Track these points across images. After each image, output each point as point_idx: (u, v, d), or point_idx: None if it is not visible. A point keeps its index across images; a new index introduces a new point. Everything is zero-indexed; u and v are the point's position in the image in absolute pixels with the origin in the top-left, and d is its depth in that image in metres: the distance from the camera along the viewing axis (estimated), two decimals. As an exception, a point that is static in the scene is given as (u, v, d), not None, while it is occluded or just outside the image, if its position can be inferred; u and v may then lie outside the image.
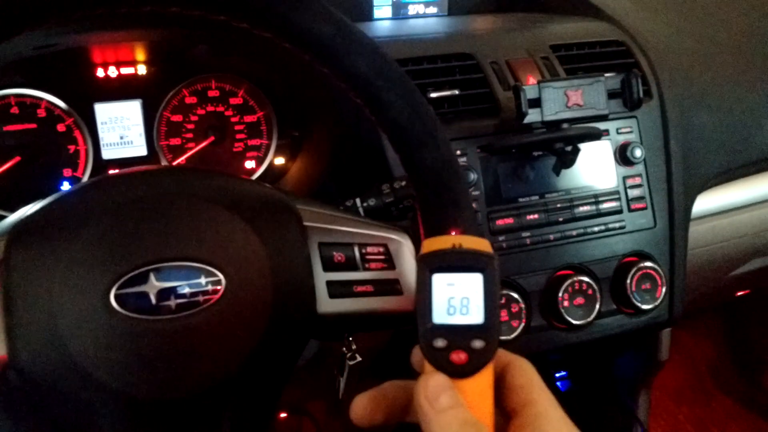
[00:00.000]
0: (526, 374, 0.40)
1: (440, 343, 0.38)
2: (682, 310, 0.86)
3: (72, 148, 0.82)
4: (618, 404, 1.00)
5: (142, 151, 0.84)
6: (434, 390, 0.37)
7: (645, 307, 0.81)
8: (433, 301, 0.38)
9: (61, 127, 0.81)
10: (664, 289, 0.81)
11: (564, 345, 0.81)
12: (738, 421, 1.58)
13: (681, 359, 1.67)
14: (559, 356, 1.05)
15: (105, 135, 0.82)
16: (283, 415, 1.13)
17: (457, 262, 0.39)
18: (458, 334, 0.38)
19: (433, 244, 0.40)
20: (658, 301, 0.81)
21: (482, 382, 0.38)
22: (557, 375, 1.06)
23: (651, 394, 1.00)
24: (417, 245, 0.56)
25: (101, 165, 0.83)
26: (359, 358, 0.77)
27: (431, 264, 0.39)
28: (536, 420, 0.37)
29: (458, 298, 0.38)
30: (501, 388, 0.40)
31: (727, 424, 1.57)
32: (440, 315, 0.38)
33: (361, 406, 0.42)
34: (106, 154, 0.83)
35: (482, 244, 0.40)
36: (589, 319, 0.79)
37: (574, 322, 0.78)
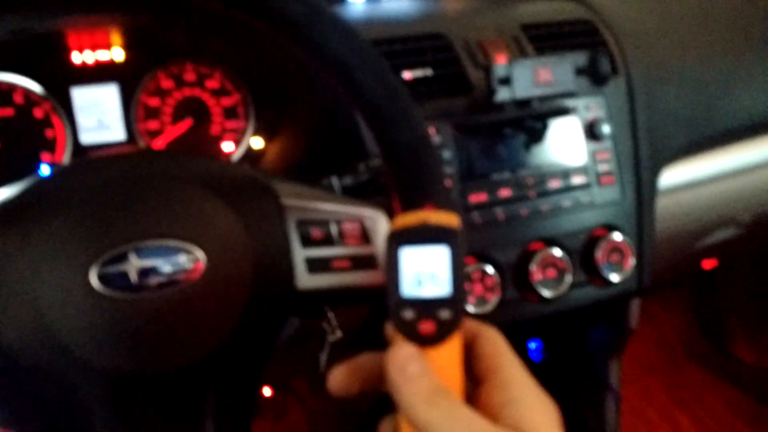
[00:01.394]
0: (493, 342, 0.41)
1: (409, 314, 0.39)
2: (651, 281, 0.89)
3: (50, 133, 0.83)
4: (591, 373, 1.03)
5: (120, 135, 0.85)
6: (403, 359, 0.38)
7: (614, 278, 0.83)
8: (401, 275, 0.39)
9: (38, 113, 0.82)
10: (632, 261, 0.84)
11: (537, 316, 0.84)
12: (709, 389, 1.62)
13: (652, 331, 1.71)
14: (533, 328, 1.08)
15: (83, 120, 0.83)
16: (267, 392, 1.14)
17: (424, 236, 0.40)
18: (426, 305, 0.39)
19: (401, 221, 0.42)
20: (627, 272, 0.84)
21: (451, 351, 0.40)
22: (531, 346, 1.09)
23: (622, 362, 1.03)
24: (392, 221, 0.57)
25: (80, 149, 0.84)
26: (340, 334, 0.79)
27: (399, 239, 0.40)
28: (503, 384, 0.39)
29: (425, 272, 0.39)
30: (470, 356, 0.41)
31: (698, 392, 1.62)
32: (408, 288, 0.39)
33: (338, 377, 0.44)
34: (85, 138, 0.84)
35: (449, 219, 0.41)
36: (561, 291, 0.82)
37: (547, 294, 0.81)
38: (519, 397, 0.38)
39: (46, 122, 0.82)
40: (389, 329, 0.42)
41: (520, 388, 0.39)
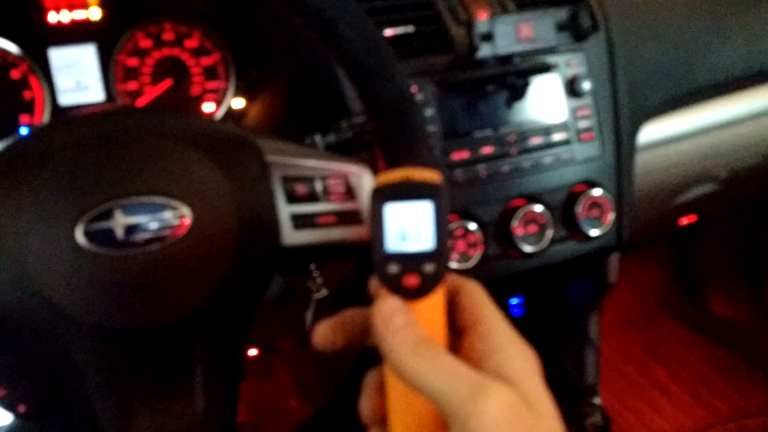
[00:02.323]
0: (475, 295, 0.42)
1: (393, 269, 0.40)
2: (630, 236, 0.90)
3: (28, 94, 0.82)
4: (571, 327, 1.05)
5: (99, 96, 0.84)
6: (389, 311, 0.39)
7: (594, 232, 0.85)
8: (386, 230, 0.40)
9: (15, 74, 0.81)
10: (611, 216, 0.86)
11: (519, 272, 0.85)
12: (685, 343, 1.66)
13: (630, 287, 1.73)
14: (514, 284, 1.09)
15: (61, 81, 0.82)
16: (253, 352, 1.15)
17: (408, 192, 0.40)
18: (410, 259, 0.40)
19: (385, 177, 0.42)
20: (607, 227, 0.86)
21: (434, 303, 0.41)
22: (512, 302, 1.11)
23: (601, 317, 1.05)
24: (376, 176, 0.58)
25: (59, 111, 0.83)
26: (325, 292, 0.80)
27: (383, 195, 0.40)
28: (485, 335, 0.40)
29: (409, 227, 0.40)
30: (452, 308, 0.42)
31: (675, 347, 1.65)
32: (393, 243, 0.40)
33: (322, 332, 0.45)
34: (63, 99, 0.83)
35: (432, 175, 0.42)
36: (542, 246, 0.83)
37: (528, 249, 0.82)
38: (500, 346, 0.39)
39: (24, 84, 0.81)
40: (373, 284, 0.43)
41: (501, 337, 0.40)
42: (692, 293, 1.73)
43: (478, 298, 0.42)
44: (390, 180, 0.41)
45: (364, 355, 0.53)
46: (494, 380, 0.37)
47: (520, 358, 0.39)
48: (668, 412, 1.49)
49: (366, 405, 0.44)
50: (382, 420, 0.43)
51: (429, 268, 0.40)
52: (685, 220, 1.31)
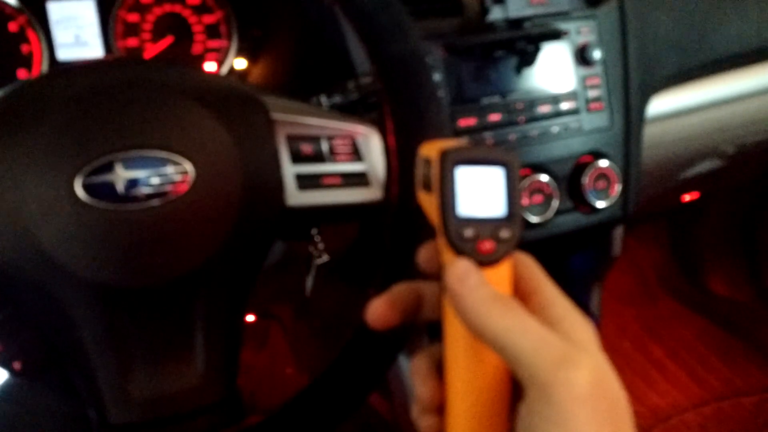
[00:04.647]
0: (530, 266, 0.41)
1: (469, 233, 0.38)
2: (635, 209, 0.89)
3: (26, 48, 0.79)
4: (572, 299, 1.05)
5: (98, 52, 0.82)
6: (464, 271, 0.38)
7: (600, 204, 0.84)
8: (457, 194, 0.38)
9: (12, 27, 0.78)
10: (618, 188, 0.84)
11: (523, 242, 0.84)
12: (682, 321, 1.66)
13: (628, 264, 1.73)
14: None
15: (59, 35, 0.80)
16: (250, 318, 1.15)
17: (481, 155, 0.39)
18: (484, 225, 0.38)
19: (448, 143, 0.41)
20: (613, 198, 0.85)
21: (504, 271, 0.39)
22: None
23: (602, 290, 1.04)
24: (384, 138, 0.56)
25: (57, 66, 0.81)
26: (326, 258, 0.79)
27: (455, 157, 0.39)
28: (545, 305, 0.38)
29: (482, 191, 0.39)
30: None
31: (672, 324, 1.65)
32: (465, 207, 0.38)
33: (377, 309, 0.42)
34: (62, 54, 0.81)
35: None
36: (547, 217, 0.82)
37: (533, 219, 0.81)
38: (562, 316, 0.37)
39: (22, 37, 0.79)
40: (424, 254, 0.42)
41: (562, 308, 0.38)
42: (690, 271, 1.73)
43: (533, 269, 0.40)
44: (460, 145, 0.40)
45: (363, 327, 0.52)
46: (583, 350, 0.35)
47: (581, 329, 0.37)
48: (663, 389, 1.49)
49: (422, 390, 0.41)
50: (438, 408, 0.41)
51: (505, 233, 0.38)
52: (687, 197, 1.31)
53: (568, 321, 0.37)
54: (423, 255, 0.43)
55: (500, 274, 0.39)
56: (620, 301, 1.69)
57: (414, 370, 0.42)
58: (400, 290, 0.43)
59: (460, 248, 0.38)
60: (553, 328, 0.36)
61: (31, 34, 0.79)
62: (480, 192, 0.39)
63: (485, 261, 0.38)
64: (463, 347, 0.39)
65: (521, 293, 0.40)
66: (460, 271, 0.38)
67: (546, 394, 0.34)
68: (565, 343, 0.35)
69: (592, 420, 0.33)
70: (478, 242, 0.38)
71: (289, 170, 0.54)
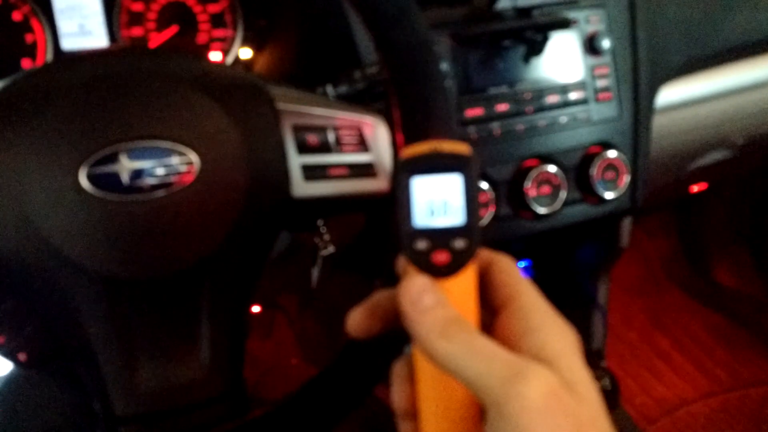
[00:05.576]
0: (509, 270, 0.40)
1: (422, 245, 0.38)
2: (643, 200, 0.88)
3: (30, 37, 0.79)
4: (579, 291, 1.04)
5: (102, 41, 0.82)
6: (417, 291, 0.37)
7: (608, 195, 0.83)
8: (414, 205, 0.38)
9: (17, 16, 0.78)
10: (626, 178, 0.84)
11: (530, 233, 0.83)
12: (689, 312, 1.66)
13: (634, 254, 1.73)
14: (523, 246, 1.08)
15: (63, 24, 0.79)
16: (256, 308, 1.15)
17: (436, 164, 0.38)
18: (439, 235, 0.38)
19: (411, 150, 0.40)
20: (621, 189, 0.84)
21: (465, 281, 0.38)
22: (520, 265, 1.09)
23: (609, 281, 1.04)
24: (391, 128, 0.56)
25: (61, 55, 0.81)
26: (332, 249, 0.78)
27: (410, 168, 0.38)
28: (522, 312, 0.37)
29: (438, 200, 0.38)
30: (485, 286, 0.40)
31: (678, 315, 1.65)
32: (421, 218, 0.38)
33: (356, 319, 0.41)
34: (66, 44, 0.80)
35: (461, 147, 0.39)
36: (555, 208, 0.81)
37: (541, 210, 0.80)
38: (538, 324, 0.37)
39: (26, 26, 0.79)
40: (400, 262, 0.41)
41: (539, 315, 0.37)
42: (697, 262, 1.72)
43: (512, 274, 0.39)
44: (417, 152, 0.39)
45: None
46: (532, 362, 0.34)
47: (559, 338, 0.36)
48: (670, 380, 1.49)
49: (397, 397, 0.41)
50: (414, 415, 0.40)
51: (460, 243, 0.37)
52: (695, 188, 1.30)
53: (544, 329, 0.37)
54: (399, 262, 0.41)
55: (461, 285, 0.38)
56: (627, 292, 1.68)
57: (394, 374, 0.42)
58: (380, 298, 0.42)
59: (414, 260, 0.38)
60: (528, 337, 0.36)
61: (35, 23, 0.79)
62: (437, 201, 0.38)
63: (441, 273, 0.38)
64: (428, 367, 0.38)
65: (499, 299, 0.39)
66: (412, 291, 0.37)
67: (501, 411, 0.33)
68: (515, 357, 0.34)
69: (549, 431, 0.33)
70: (432, 254, 0.38)
71: (295, 161, 0.53)
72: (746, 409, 1.40)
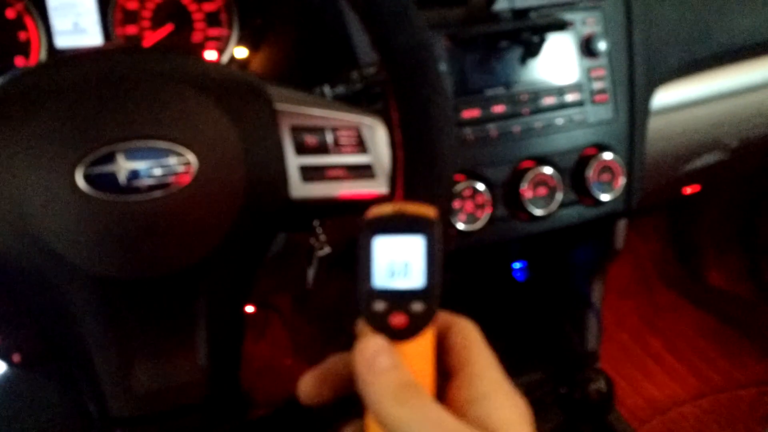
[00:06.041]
0: (466, 335, 0.39)
1: (379, 306, 0.37)
2: (638, 202, 0.88)
3: (23, 35, 0.78)
4: (573, 292, 1.04)
5: (96, 39, 0.81)
6: (372, 352, 0.36)
7: (604, 197, 0.83)
8: (374, 265, 0.37)
9: (10, 13, 0.77)
10: (622, 180, 0.84)
11: (526, 235, 0.83)
12: (680, 313, 1.66)
13: (627, 256, 1.73)
14: (518, 247, 1.08)
15: (57, 22, 0.79)
16: (249, 308, 1.14)
17: (399, 225, 0.37)
18: (398, 297, 0.37)
19: (376, 210, 0.39)
20: (617, 191, 0.84)
21: (422, 345, 0.38)
22: (515, 266, 1.09)
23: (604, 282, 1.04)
24: (390, 130, 0.56)
25: (55, 54, 0.80)
26: (328, 250, 0.78)
27: (373, 227, 0.37)
28: (472, 379, 0.37)
29: (399, 262, 0.37)
30: (441, 349, 0.39)
31: (670, 317, 1.65)
32: (381, 278, 0.37)
33: (308, 385, 0.40)
34: (60, 42, 0.79)
35: (427, 209, 0.39)
36: (551, 210, 0.81)
37: (537, 212, 0.80)
38: (487, 393, 0.37)
39: (19, 24, 0.78)
40: (358, 323, 0.40)
41: (489, 384, 0.37)
42: (689, 264, 1.73)
43: (469, 339, 0.39)
44: (381, 212, 0.38)
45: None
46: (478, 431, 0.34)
47: (507, 408, 0.36)
48: (661, 381, 1.49)
49: None
50: None
51: (418, 307, 0.37)
52: (688, 190, 1.30)
53: (492, 398, 0.36)
54: (358, 323, 0.40)
55: (417, 349, 0.37)
56: (619, 293, 1.68)
57: None
58: (334, 362, 0.41)
59: (371, 321, 0.37)
60: (476, 405, 0.36)
61: (28, 21, 0.78)
62: (398, 262, 0.37)
63: (398, 336, 0.37)
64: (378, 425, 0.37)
65: (452, 364, 0.38)
66: (368, 352, 0.36)
67: None
68: (462, 427, 0.34)
69: None
70: (389, 316, 0.37)
71: (293, 162, 0.53)
72: (737, 411, 1.41)
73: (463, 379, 0.37)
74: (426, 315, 0.37)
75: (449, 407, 0.36)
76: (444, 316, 0.40)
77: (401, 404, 0.35)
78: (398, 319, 0.37)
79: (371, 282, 0.37)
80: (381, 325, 0.37)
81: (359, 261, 0.37)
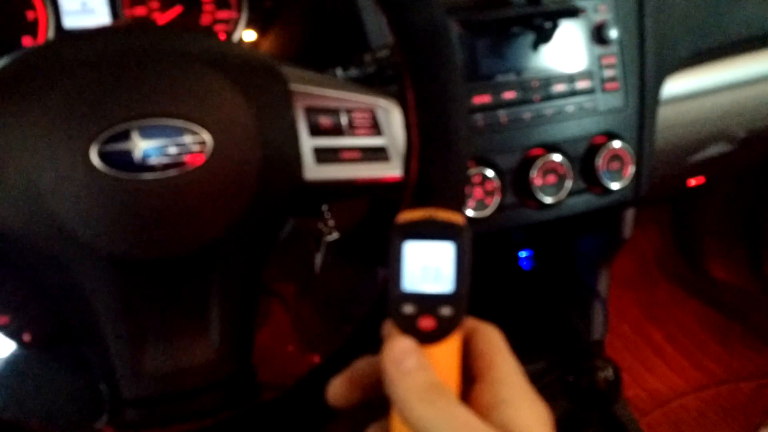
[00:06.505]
0: (490, 340, 0.40)
1: (409, 309, 0.38)
2: (647, 191, 0.88)
3: (31, 14, 0.77)
4: (579, 281, 1.04)
5: (105, 20, 0.80)
6: (400, 353, 0.37)
7: (613, 186, 0.83)
8: (404, 269, 0.38)
9: (17, -8, 0.77)
10: (631, 169, 0.84)
11: (535, 222, 0.83)
12: (682, 305, 1.66)
13: (628, 247, 1.72)
14: (525, 235, 1.08)
15: (65, 2, 0.78)
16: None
17: (430, 231, 0.38)
18: (427, 301, 0.38)
19: (407, 215, 0.40)
20: (626, 180, 0.84)
21: (449, 348, 0.39)
22: (522, 254, 1.09)
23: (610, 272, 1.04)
24: (405, 112, 0.55)
25: (63, 33, 0.79)
26: (336, 234, 0.77)
27: (404, 232, 0.38)
28: (495, 384, 0.38)
29: (429, 267, 0.38)
30: (467, 353, 0.40)
31: (671, 308, 1.66)
32: (411, 282, 0.38)
33: (338, 387, 0.41)
34: (68, 22, 0.79)
35: (456, 216, 0.40)
36: (560, 198, 0.81)
37: (546, 200, 0.80)
38: (509, 398, 0.37)
39: (27, 3, 0.77)
40: (386, 325, 0.41)
41: (512, 389, 0.38)
42: (691, 256, 1.73)
43: (493, 344, 0.40)
44: (412, 218, 0.39)
45: (379, 303, 0.51)
46: None
47: (528, 413, 0.37)
48: (662, 373, 1.49)
49: None
50: None
51: (446, 311, 0.38)
52: (693, 182, 1.30)
53: (515, 403, 0.37)
54: (386, 325, 0.41)
55: (444, 352, 0.38)
56: (620, 284, 1.68)
57: None
58: (362, 366, 0.41)
59: (399, 324, 0.38)
60: (498, 409, 0.36)
61: (36, 0, 0.77)
62: (428, 267, 0.38)
63: (426, 338, 0.38)
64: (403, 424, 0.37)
65: (477, 369, 0.39)
66: (396, 352, 0.37)
67: None
68: (488, 429, 0.35)
69: None
70: (418, 319, 0.38)
71: (308, 143, 0.52)
72: (738, 402, 1.41)
73: (486, 383, 0.38)
74: (454, 319, 0.38)
75: (473, 410, 0.36)
76: (470, 321, 0.41)
77: (428, 404, 0.35)
78: (427, 322, 0.38)
79: (401, 285, 0.38)
80: (409, 328, 0.38)
81: (389, 265, 0.38)
